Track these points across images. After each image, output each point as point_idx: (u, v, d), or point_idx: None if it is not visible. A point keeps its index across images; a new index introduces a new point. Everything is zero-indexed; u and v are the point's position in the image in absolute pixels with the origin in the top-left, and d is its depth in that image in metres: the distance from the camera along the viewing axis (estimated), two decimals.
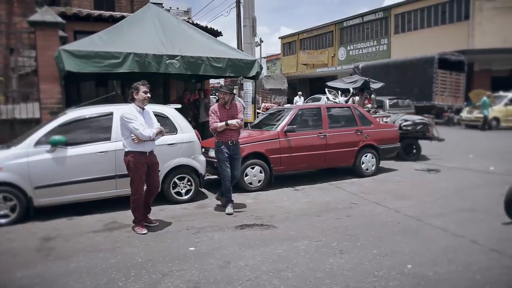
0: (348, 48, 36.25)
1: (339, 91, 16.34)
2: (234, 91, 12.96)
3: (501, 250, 4.22)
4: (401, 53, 27.73)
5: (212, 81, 30.75)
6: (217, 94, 34.36)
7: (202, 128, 10.99)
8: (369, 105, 13.52)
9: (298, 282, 3.56)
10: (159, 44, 7.85)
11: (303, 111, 8.31)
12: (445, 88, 20.76)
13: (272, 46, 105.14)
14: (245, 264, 3.96)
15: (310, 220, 5.47)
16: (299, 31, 43.72)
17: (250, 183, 7.17)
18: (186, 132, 6.48)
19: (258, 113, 12.62)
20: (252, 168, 7.17)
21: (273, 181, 7.45)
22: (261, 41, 34.30)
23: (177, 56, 7.72)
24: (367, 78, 12.95)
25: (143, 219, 5.23)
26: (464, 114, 19.98)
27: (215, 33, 13.05)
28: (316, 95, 23.58)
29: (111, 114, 6.08)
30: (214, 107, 6.07)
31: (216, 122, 5.89)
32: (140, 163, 5.04)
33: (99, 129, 6.05)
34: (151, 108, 6.64)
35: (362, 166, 8.28)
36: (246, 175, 7.13)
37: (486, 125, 18.01)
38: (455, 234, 4.77)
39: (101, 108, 6.25)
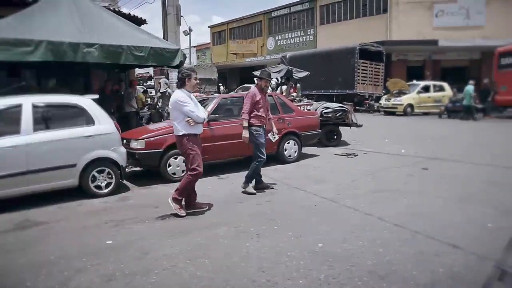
0: (277, 38, 36.92)
1: None
2: (164, 81, 12.76)
3: (403, 225, 4.62)
4: (327, 43, 28.84)
5: (140, 70, 29.67)
6: (144, 84, 32.85)
7: (126, 119, 10.67)
8: (294, 94, 13.95)
9: (214, 267, 3.64)
10: (76, 31, 7.44)
11: (226, 100, 8.38)
12: (366, 77, 21.92)
13: (203, 35, 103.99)
14: (163, 254, 3.97)
15: (232, 207, 5.59)
16: (228, 20, 43.70)
17: (174, 173, 7.09)
18: (103, 123, 6.24)
19: None
20: (175, 158, 7.08)
21: None
22: (191, 30, 33.82)
23: (95, 44, 7.37)
24: (289, 67, 13.30)
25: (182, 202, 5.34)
26: (383, 101, 21.32)
27: (139, 21, 12.64)
28: (246, 85, 23.77)
29: (19, 105, 5.71)
30: (255, 91, 6.05)
31: (247, 114, 6.04)
32: (196, 143, 5.22)
33: (7, 121, 5.66)
34: (65, 98, 6.38)
35: (285, 152, 8.53)
36: (169, 165, 7.05)
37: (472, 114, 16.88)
38: (365, 212, 5.14)
39: (8, 100, 5.82)
